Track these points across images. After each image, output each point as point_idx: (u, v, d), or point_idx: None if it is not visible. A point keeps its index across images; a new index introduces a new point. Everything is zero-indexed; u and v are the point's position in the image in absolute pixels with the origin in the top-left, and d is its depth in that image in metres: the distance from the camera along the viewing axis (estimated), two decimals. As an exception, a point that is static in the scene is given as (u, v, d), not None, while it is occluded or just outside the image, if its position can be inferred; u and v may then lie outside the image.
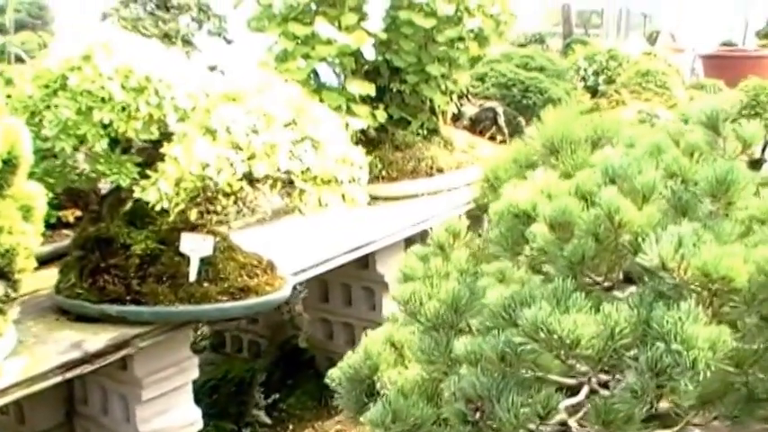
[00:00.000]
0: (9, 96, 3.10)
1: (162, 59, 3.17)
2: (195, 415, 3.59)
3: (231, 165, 2.95)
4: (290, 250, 3.95)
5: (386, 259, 4.61)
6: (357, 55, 4.94)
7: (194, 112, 3.03)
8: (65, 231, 3.82)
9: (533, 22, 11.57)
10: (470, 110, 6.28)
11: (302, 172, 3.09)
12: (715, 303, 1.56)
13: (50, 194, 3.05)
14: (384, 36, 4.98)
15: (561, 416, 1.62)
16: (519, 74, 6.63)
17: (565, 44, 9.70)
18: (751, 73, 6.81)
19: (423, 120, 5.48)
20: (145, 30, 5.27)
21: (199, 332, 5.25)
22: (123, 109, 2.98)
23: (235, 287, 3.30)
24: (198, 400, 3.65)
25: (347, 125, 4.16)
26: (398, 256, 4.39)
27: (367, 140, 5.00)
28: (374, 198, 4.79)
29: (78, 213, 3.83)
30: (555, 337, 1.52)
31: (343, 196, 3.20)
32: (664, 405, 1.67)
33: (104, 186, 3.40)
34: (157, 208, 2.96)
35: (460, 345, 1.71)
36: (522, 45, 8.90)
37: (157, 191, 2.92)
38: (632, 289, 1.73)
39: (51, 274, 3.42)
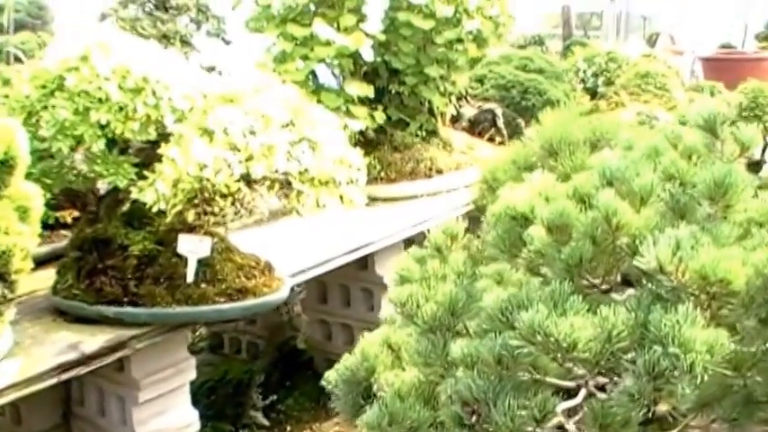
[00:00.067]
0: (6, 97, 3.09)
1: (159, 60, 3.16)
2: (192, 416, 3.58)
3: (229, 166, 2.95)
4: (288, 251, 3.95)
5: (385, 260, 4.61)
6: (356, 56, 4.94)
7: (192, 113, 3.03)
8: (63, 232, 3.81)
9: (533, 23, 11.56)
10: (469, 111, 6.28)
11: (300, 173, 3.08)
12: (713, 306, 1.55)
13: (48, 195, 3.04)
14: (383, 37, 4.97)
15: (558, 419, 1.62)
16: (518, 75, 6.63)
17: (564, 46, 9.69)
18: (750, 75, 6.79)
19: (421, 121, 5.48)
20: (143, 30, 5.26)
21: (197, 333, 5.25)
22: (120, 109, 2.97)
23: (232, 288, 3.29)
24: (196, 402, 3.65)
25: (345, 126, 4.16)
26: (397, 257, 4.37)
27: (366, 142, 5.00)
28: (373, 199, 4.78)
29: (76, 214, 3.82)
30: (552, 340, 1.51)
31: (340, 197, 3.19)
32: (662, 408, 1.66)
33: (102, 187, 3.39)
34: (155, 209, 2.95)
35: (457, 347, 1.70)
36: (521, 47, 8.90)
37: (155, 192, 2.91)
38: (630, 291, 1.73)
39: (49, 275, 3.41)
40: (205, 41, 5.70)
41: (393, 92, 5.36)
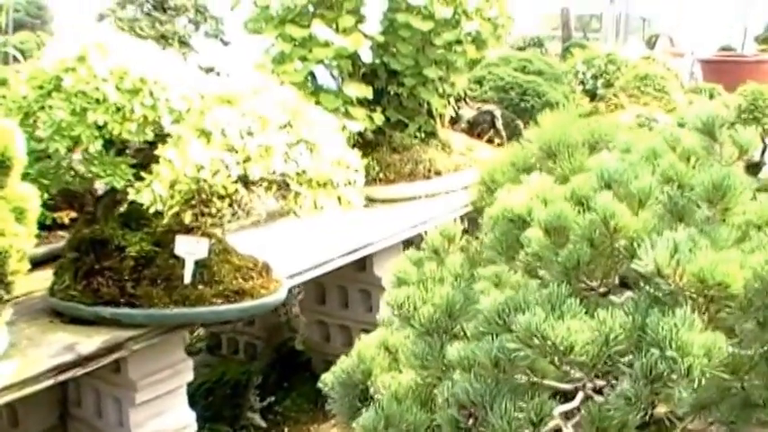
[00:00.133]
0: (3, 97, 3.08)
1: (157, 61, 3.15)
2: (189, 418, 3.57)
3: (226, 167, 2.94)
4: (286, 253, 3.94)
5: (383, 262, 4.60)
6: (354, 57, 4.93)
7: (189, 114, 3.02)
8: (60, 233, 3.81)
9: (532, 25, 11.56)
10: (468, 113, 6.28)
11: (297, 174, 3.08)
12: (711, 309, 1.55)
13: (45, 196, 3.03)
14: (381, 39, 4.97)
15: (556, 422, 1.61)
16: (517, 77, 6.63)
17: (564, 48, 9.69)
18: (749, 78, 6.79)
19: (420, 122, 5.47)
20: (141, 31, 5.26)
21: (195, 334, 5.24)
22: (118, 110, 2.96)
23: (230, 290, 3.29)
24: (193, 403, 3.64)
25: (344, 128, 4.15)
26: (396, 258, 4.37)
27: (364, 143, 4.99)
28: (371, 200, 4.79)
29: (73, 215, 3.81)
30: (549, 343, 1.51)
31: (338, 199, 3.19)
32: (659, 411, 1.66)
33: (100, 188, 3.39)
34: (152, 210, 2.95)
35: (454, 350, 1.69)
36: (520, 48, 8.90)
37: (152, 193, 2.91)
38: (628, 294, 1.72)
39: (46, 276, 3.40)
40: (203, 42, 5.70)
41: (392, 93, 5.35)
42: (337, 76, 5.10)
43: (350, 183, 3.23)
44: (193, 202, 2.98)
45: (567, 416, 1.61)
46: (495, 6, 5.24)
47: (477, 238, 2.21)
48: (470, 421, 1.63)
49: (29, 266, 2.87)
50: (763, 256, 1.54)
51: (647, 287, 1.59)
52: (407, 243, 4.51)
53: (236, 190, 3.01)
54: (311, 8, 4.93)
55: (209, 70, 4.42)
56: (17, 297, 3.07)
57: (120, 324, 3.17)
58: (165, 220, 3.04)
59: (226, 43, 5.81)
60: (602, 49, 8.42)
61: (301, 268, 3.92)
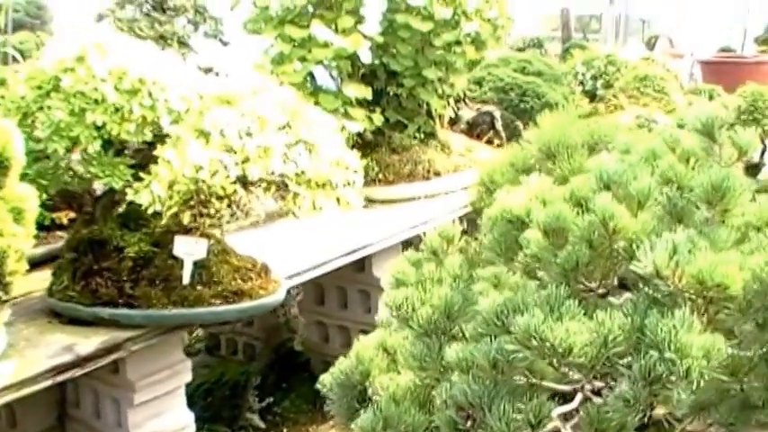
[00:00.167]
0: (2, 97, 3.08)
1: (156, 61, 3.15)
2: (188, 419, 3.57)
3: (225, 168, 2.94)
4: (284, 253, 3.94)
5: (382, 262, 4.60)
6: (354, 58, 4.93)
7: (188, 115, 3.01)
8: (59, 233, 3.80)
9: (532, 26, 11.56)
10: (468, 114, 6.27)
11: (296, 175, 3.07)
12: (710, 311, 1.54)
13: (44, 196, 3.03)
14: (381, 39, 4.96)
15: (554, 423, 1.60)
16: (516, 78, 6.63)
17: (563, 49, 9.69)
18: (749, 79, 6.79)
19: (420, 123, 5.47)
20: (140, 31, 5.25)
21: (194, 335, 5.24)
22: (116, 110, 2.96)
23: (228, 291, 3.28)
24: (192, 403, 3.64)
25: (343, 128, 4.15)
26: (395, 259, 4.37)
27: (364, 143, 4.99)
28: (371, 201, 4.78)
29: (72, 215, 3.81)
30: (547, 344, 1.50)
31: (337, 199, 3.18)
32: (658, 412, 1.65)
33: (99, 188, 3.38)
34: (150, 211, 2.94)
35: (452, 351, 1.69)
36: (520, 49, 8.90)
37: (150, 193, 2.90)
38: (628, 295, 1.72)
39: (45, 277, 3.40)
40: (203, 43, 5.69)
41: (391, 94, 5.35)
42: (336, 76, 5.10)
43: (349, 183, 3.22)
44: (192, 203, 2.97)
45: (565, 417, 1.61)
46: (495, 7, 5.23)
47: (476, 238, 2.21)
48: (469, 423, 1.63)
49: (27, 267, 2.87)
50: (763, 258, 1.54)
51: (646, 288, 1.59)
52: (406, 244, 4.50)
53: (235, 191, 3.01)
54: (310, 9, 4.93)
55: (209, 71, 4.42)
56: (15, 298, 3.06)
57: (118, 325, 3.16)
58: (164, 221, 3.03)
59: (225, 44, 5.81)
60: (602, 51, 8.42)
61: (300, 269, 3.91)
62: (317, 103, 4.34)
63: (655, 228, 1.68)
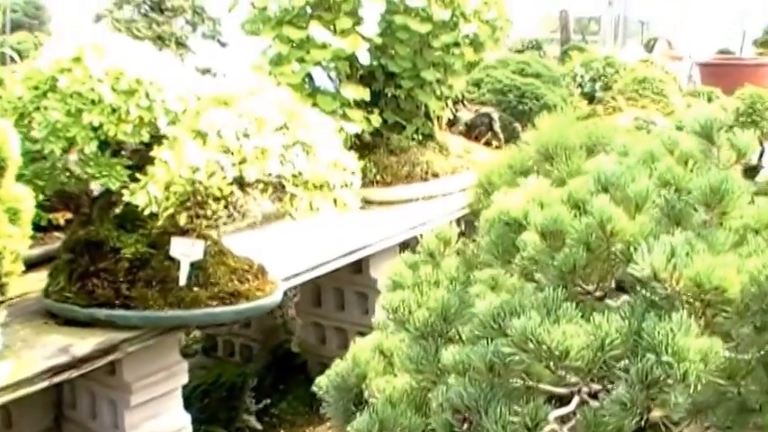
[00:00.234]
0: (-1, 97, 3.08)
1: (153, 62, 3.15)
2: (184, 420, 3.56)
3: (221, 169, 2.93)
4: (281, 255, 3.93)
5: (379, 264, 4.59)
6: (352, 59, 4.92)
7: (185, 116, 3.01)
8: (56, 234, 3.79)
9: (531, 26, 11.55)
10: (466, 115, 6.27)
11: (293, 176, 3.06)
12: (707, 314, 1.54)
13: (40, 197, 3.02)
14: (379, 41, 4.96)
15: (551, 426, 1.60)
16: (515, 80, 6.62)
17: (562, 51, 9.68)
18: (748, 81, 6.79)
19: (418, 125, 5.46)
20: (138, 32, 5.25)
21: (191, 336, 5.23)
22: (113, 111, 2.96)
23: (225, 292, 3.27)
24: (189, 405, 3.63)
25: (341, 129, 4.14)
26: (392, 261, 4.37)
27: (362, 145, 4.98)
28: (368, 202, 4.78)
29: (69, 216, 3.79)
30: (544, 347, 1.50)
31: (334, 201, 3.17)
32: (655, 414, 1.64)
33: (96, 189, 3.37)
34: (147, 212, 2.93)
35: (448, 354, 1.68)
36: (519, 51, 8.89)
37: (147, 194, 2.90)
38: (625, 298, 1.71)
39: (41, 277, 3.39)
40: (201, 44, 5.69)
41: (389, 95, 5.34)
42: (335, 77, 5.09)
43: (346, 185, 3.22)
44: (188, 204, 2.97)
45: (562, 420, 1.60)
46: (494, 9, 5.23)
47: (474, 240, 2.20)
48: (465, 426, 1.62)
49: (23, 268, 2.87)
50: (761, 261, 1.54)
51: (644, 291, 1.58)
52: (404, 245, 4.50)
53: (232, 192, 3.00)
54: (309, 10, 4.92)
55: (207, 71, 4.42)
56: (11, 298, 3.06)
57: (114, 326, 3.16)
58: (160, 222, 3.03)
59: (223, 44, 5.81)
60: (601, 52, 8.42)
61: (297, 270, 3.91)
62: (315, 105, 4.34)
63: (652, 230, 1.67)
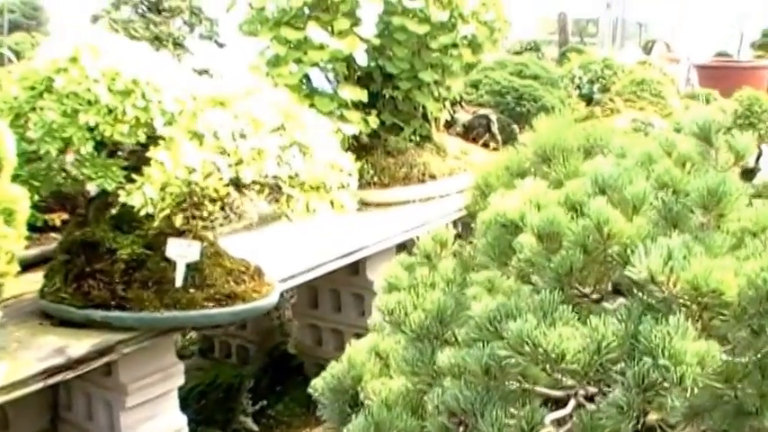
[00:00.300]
0: (-5, 97, 3.07)
1: (150, 62, 3.14)
2: (181, 422, 3.56)
3: (218, 170, 2.92)
4: (278, 256, 3.92)
5: (376, 266, 4.59)
6: (349, 60, 4.92)
7: (181, 116, 3.00)
8: (52, 235, 3.78)
9: (529, 28, 11.56)
10: (464, 117, 6.27)
11: (290, 177, 3.06)
12: (704, 317, 1.53)
13: (36, 197, 3.01)
14: (377, 42, 4.95)
15: (547, 429, 1.59)
16: (513, 81, 6.62)
17: (560, 52, 9.69)
18: (745, 83, 6.82)
19: (415, 126, 5.46)
20: (135, 32, 5.24)
21: (187, 337, 5.22)
22: (110, 112, 2.95)
23: (221, 293, 3.27)
24: (185, 406, 3.63)
25: (338, 131, 4.13)
26: (389, 262, 4.36)
27: (359, 146, 4.98)
28: (365, 204, 4.77)
29: (65, 216, 3.79)
30: (540, 350, 1.49)
31: (331, 202, 3.17)
32: (652, 417, 1.64)
33: (93, 189, 3.36)
34: (142, 213, 2.93)
35: (444, 357, 1.67)
36: (517, 53, 8.89)
37: (142, 195, 2.89)
38: (622, 300, 1.70)
39: (37, 278, 3.38)
40: (198, 44, 5.68)
41: (387, 96, 5.34)
42: (332, 78, 5.09)
43: (343, 186, 3.21)
44: (185, 205, 2.96)
45: (558, 423, 1.60)
46: (492, 10, 5.22)
47: (470, 242, 2.19)
48: (461, 429, 1.62)
49: (19, 268, 2.86)
50: (759, 264, 1.53)
51: (641, 294, 1.58)
52: (401, 247, 4.49)
53: (228, 193, 3.00)
54: (306, 10, 4.91)
55: (204, 72, 4.41)
56: (7, 299, 3.05)
57: (110, 327, 3.15)
58: (156, 223, 3.02)
59: (221, 45, 5.80)
60: (599, 54, 8.42)
61: (294, 272, 3.90)
62: (312, 106, 4.33)
63: (650, 233, 1.66)
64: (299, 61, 4.82)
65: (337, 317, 5.02)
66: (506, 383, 1.61)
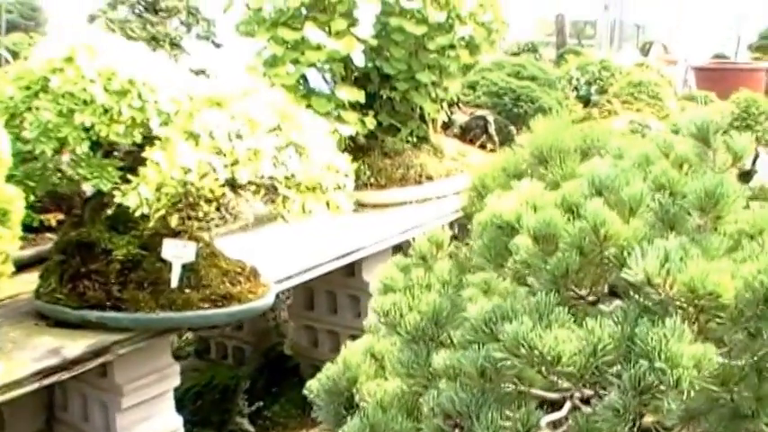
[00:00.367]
0: (-10, 97, 3.06)
1: (146, 62, 3.13)
2: (176, 423, 3.55)
3: (214, 170, 2.91)
4: (274, 257, 3.92)
5: (372, 267, 4.58)
6: (347, 61, 4.91)
7: (178, 116, 2.99)
8: (48, 235, 3.78)
9: (527, 29, 11.56)
10: (461, 118, 6.26)
11: (286, 178, 3.05)
12: (701, 319, 1.52)
13: (31, 198, 3.01)
14: (374, 42, 4.95)
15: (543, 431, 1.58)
16: (510, 83, 6.62)
17: (558, 54, 9.70)
18: (742, 85, 6.82)
19: (412, 127, 5.45)
20: (132, 32, 5.23)
21: (183, 338, 5.22)
22: (105, 112, 2.94)
23: (217, 294, 3.26)
24: (182, 407, 3.62)
25: (335, 131, 4.13)
26: (385, 264, 4.36)
27: (356, 147, 4.98)
28: (362, 205, 4.77)
29: (61, 217, 3.78)
30: (536, 352, 1.48)
31: (327, 203, 3.16)
32: (647, 420, 1.63)
33: (89, 189, 3.36)
34: (138, 213, 2.92)
35: (440, 359, 1.67)
36: (514, 54, 8.89)
37: (138, 196, 2.88)
38: (618, 303, 1.70)
39: (33, 279, 3.38)
40: (195, 44, 5.67)
41: (384, 97, 5.33)
42: (329, 79, 5.08)
43: (339, 187, 3.20)
44: (180, 206, 2.96)
45: (554, 425, 1.59)
46: (490, 11, 5.22)
47: (467, 244, 2.19)
48: (456, 431, 1.61)
49: (14, 269, 2.85)
50: (755, 266, 1.52)
51: (637, 296, 1.57)
52: (397, 248, 4.49)
53: (224, 193, 2.99)
54: (304, 11, 4.91)
55: (201, 72, 4.40)
56: (2, 300, 3.05)
57: (106, 328, 3.14)
58: (152, 223, 3.01)
59: (218, 45, 5.80)
60: (597, 56, 8.43)
61: (290, 273, 3.90)
62: (309, 106, 4.32)
63: (646, 234, 1.66)
64: (296, 62, 4.82)
65: (333, 318, 5.02)
66: (502, 386, 1.60)
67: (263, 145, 3.00)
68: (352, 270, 4.67)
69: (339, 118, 4.85)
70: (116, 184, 3.01)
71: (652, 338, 1.44)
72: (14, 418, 3.70)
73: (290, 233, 3.93)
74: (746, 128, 5.02)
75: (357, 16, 4.86)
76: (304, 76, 4.99)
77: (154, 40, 5.27)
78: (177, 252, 3.19)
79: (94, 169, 3.04)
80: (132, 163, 3.09)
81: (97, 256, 3.22)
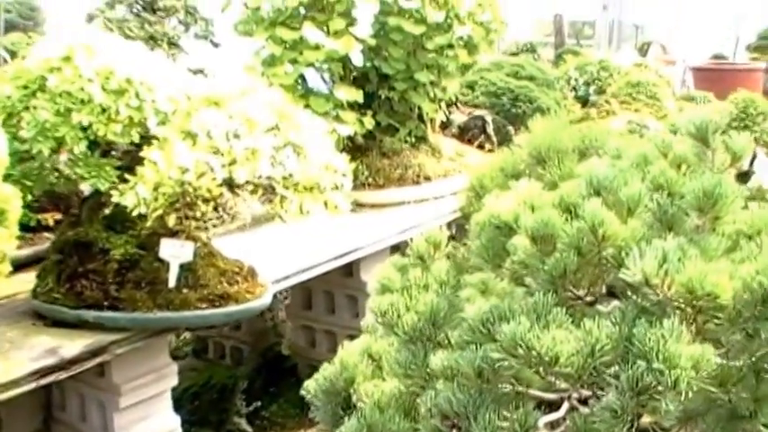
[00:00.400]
0: (-12, 97, 3.05)
1: (144, 62, 3.12)
2: (174, 422, 3.55)
3: (211, 170, 2.91)
4: (272, 257, 3.91)
5: (370, 267, 4.57)
6: (345, 61, 4.91)
7: (175, 116, 2.99)
8: (45, 234, 3.77)
9: (526, 29, 11.56)
10: (459, 118, 6.26)
11: (284, 178, 3.05)
12: (699, 320, 1.52)
13: (29, 197, 3.00)
14: (373, 42, 4.94)
15: (541, 432, 1.58)
16: (509, 83, 6.61)
17: (556, 54, 9.70)
18: (741, 86, 6.83)
19: (411, 127, 5.45)
20: (130, 32, 5.22)
21: (181, 338, 5.22)
22: (103, 111, 2.94)
23: (215, 294, 3.26)
24: (179, 407, 3.62)
25: (334, 131, 4.12)
26: (383, 264, 4.36)
27: (354, 147, 4.97)
28: (360, 205, 4.76)
29: (58, 216, 3.77)
30: (533, 353, 1.48)
31: (325, 203, 3.16)
32: (645, 420, 1.63)
33: (87, 189, 3.35)
34: (135, 213, 2.91)
35: (437, 359, 1.66)
36: (513, 54, 8.89)
37: (135, 195, 2.87)
38: (616, 303, 1.69)
39: (30, 278, 3.37)
40: (193, 44, 5.67)
41: (383, 97, 5.33)
42: (328, 79, 5.07)
43: (337, 187, 3.20)
44: (178, 205, 2.95)
45: (552, 426, 1.58)
46: (488, 11, 5.22)
47: (464, 244, 2.18)
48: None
49: (12, 268, 2.85)
50: (754, 267, 1.52)
51: (635, 297, 1.57)
52: (395, 248, 4.48)
53: (221, 193, 2.98)
54: (302, 10, 4.91)
55: (199, 72, 4.39)
56: (-1, 299, 3.04)
57: (103, 328, 3.14)
58: (149, 223, 3.01)
59: (216, 45, 5.79)
60: (595, 56, 8.43)
61: (287, 273, 3.90)
62: (307, 106, 4.32)
63: (644, 235, 1.65)
64: (294, 61, 4.82)
65: (331, 318, 5.02)
66: (499, 386, 1.60)
67: (260, 145, 2.99)
68: (349, 270, 4.67)
69: (337, 118, 4.85)
70: (113, 183, 3.01)
71: (650, 339, 1.43)
72: (12, 417, 3.70)
73: (288, 233, 3.93)
74: (744, 128, 5.01)
75: (355, 16, 4.86)
76: (302, 76, 4.98)
77: (152, 40, 5.26)
78: (175, 252, 3.18)
79: (92, 169, 3.03)
80: (130, 162, 3.08)
81: (94, 255, 3.22)
